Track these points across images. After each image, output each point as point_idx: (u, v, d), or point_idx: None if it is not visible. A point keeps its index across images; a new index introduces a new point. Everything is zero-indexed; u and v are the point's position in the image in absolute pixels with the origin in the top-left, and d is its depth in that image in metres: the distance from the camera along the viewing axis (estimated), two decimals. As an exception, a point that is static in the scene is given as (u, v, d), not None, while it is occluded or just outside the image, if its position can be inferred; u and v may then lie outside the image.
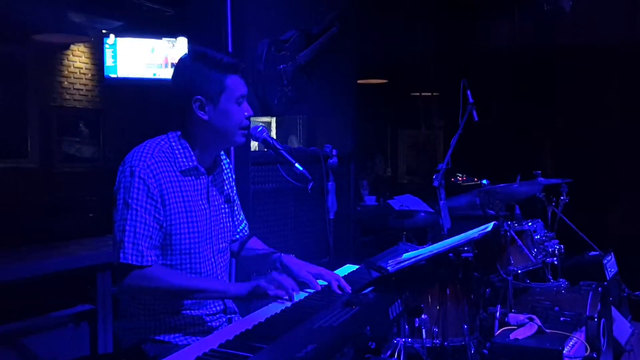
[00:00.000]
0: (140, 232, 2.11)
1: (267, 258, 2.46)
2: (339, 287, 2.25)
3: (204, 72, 2.21)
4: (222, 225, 2.38)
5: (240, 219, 2.59)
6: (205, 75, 2.21)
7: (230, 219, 2.45)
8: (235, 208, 2.54)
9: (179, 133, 2.28)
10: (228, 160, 2.52)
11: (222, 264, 2.39)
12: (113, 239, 2.15)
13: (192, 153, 2.26)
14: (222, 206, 2.40)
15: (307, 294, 2.19)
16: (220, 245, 2.37)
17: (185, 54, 2.33)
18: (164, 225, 2.17)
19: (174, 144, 2.26)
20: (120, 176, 2.18)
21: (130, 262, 2.09)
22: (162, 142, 2.26)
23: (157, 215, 2.15)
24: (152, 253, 2.13)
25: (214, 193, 2.35)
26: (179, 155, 2.24)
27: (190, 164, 2.25)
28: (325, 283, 2.31)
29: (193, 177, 2.27)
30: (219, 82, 2.21)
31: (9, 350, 3.35)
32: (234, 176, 2.54)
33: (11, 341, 3.35)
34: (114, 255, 2.13)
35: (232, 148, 3.65)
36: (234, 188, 2.53)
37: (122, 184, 2.15)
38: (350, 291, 2.22)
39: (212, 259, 2.32)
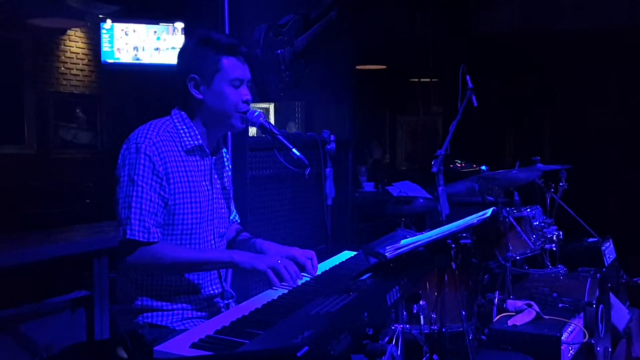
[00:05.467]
0: (146, 208, 2.11)
1: (246, 243, 2.47)
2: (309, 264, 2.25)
3: (201, 52, 2.24)
4: (222, 210, 2.39)
5: (231, 209, 2.58)
6: (201, 55, 2.23)
7: (227, 207, 2.45)
8: (230, 198, 2.53)
9: (182, 113, 2.27)
10: (226, 150, 2.51)
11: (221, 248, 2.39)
12: (117, 215, 2.15)
13: (196, 132, 2.26)
14: (222, 191, 2.40)
15: (305, 280, 2.18)
16: (221, 230, 2.38)
17: (191, 38, 2.33)
18: (169, 203, 2.17)
19: (178, 123, 2.26)
20: (124, 153, 2.17)
21: (137, 238, 2.09)
22: (167, 122, 2.26)
23: (162, 193, 2.15)
24: (158, 230, 2.14)
25: (216, 176, 2.35)
26: (183, 135, 2.24)
27: (196, 142, 2.25)
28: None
29: (198, 157, 2.27)
30: (213, 62, 2.23)
31: (5, 337, 3.34)
32: (230, 166, 2.55)
33: (7, 327, 3.35)
34: (118, 231, 2.13)
35: (229, 134, 3.62)
36: (231, 179, 2.53)
37: (127, 160, 2.15)
38: (315, 273, 2.24)
39: (213, 242, 2.32)
